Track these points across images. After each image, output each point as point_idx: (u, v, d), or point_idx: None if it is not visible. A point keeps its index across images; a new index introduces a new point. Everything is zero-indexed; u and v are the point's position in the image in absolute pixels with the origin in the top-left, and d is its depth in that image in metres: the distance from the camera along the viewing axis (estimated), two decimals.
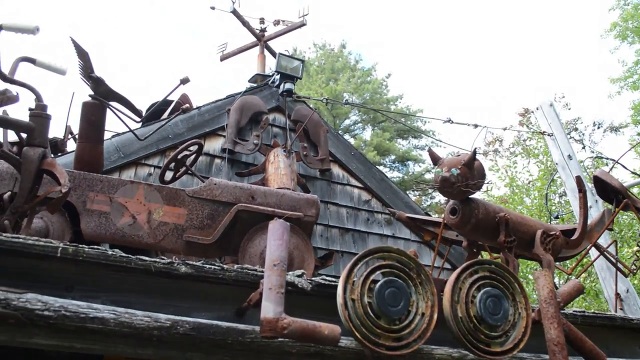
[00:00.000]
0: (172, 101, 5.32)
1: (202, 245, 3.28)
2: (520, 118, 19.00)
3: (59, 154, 4.58)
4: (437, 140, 20.41)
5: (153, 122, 4.81)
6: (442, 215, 3.33)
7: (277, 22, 6.29)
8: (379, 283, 2.08)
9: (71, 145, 4.92)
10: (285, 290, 1.86)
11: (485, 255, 3.81)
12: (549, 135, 6.44)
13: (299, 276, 2.24)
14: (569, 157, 6.20)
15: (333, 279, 2.29)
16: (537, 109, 6.77)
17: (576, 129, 18.71)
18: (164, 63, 38.73)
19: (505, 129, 8.01)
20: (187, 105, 4.28)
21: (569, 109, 18.96)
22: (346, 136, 21.43)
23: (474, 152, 2.90)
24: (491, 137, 18.70)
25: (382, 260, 2.16)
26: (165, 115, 5.19)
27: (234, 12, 6.03)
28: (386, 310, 2.04)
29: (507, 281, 2.34)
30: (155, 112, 4.86)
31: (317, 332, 1.84)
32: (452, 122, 6.07)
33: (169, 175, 3.91)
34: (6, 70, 2.85)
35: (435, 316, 2.14)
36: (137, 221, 3.23)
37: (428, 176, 23.12)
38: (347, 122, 23.44)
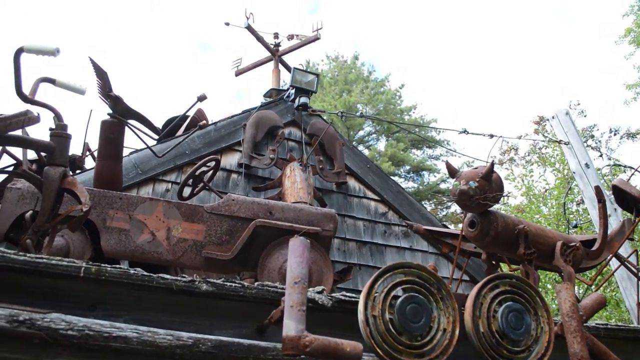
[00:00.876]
0: (187, 117, 5.37)
1: (220, 261, 3.29)
2: (536, 126, 18.92)
3: (78, 171, 4.65)
4: (451, 150, 20.42)
5: (170, 138, 4.86)
6: (460, 227, 3.32)
7: (291, 37, 6.34)
8: (399, 299, 2.07)
9: (89, 162, 4.98)
10: (306, 307, 1.86)
11: (505, 267, 3.78)
12: (565, 144, 6.40)
13: (319, 292, 2.24)
14: (587, 165, 6.15)
15: (353, 295, 2.29)
16: (553, 117, 6.73)
17: (592, 136, 18.57)
18: (175, 77, 39.05)
19: (520, 137, 7.98)
20: (204, 121, 4.32)
21: (585, 116, 18.83)
22: (360, 147, 21.44)
23: (492, 165, 2.89)
24: (506, 145, 18.62)
25: (402, 276, 2.15)
26: (181, 131, 5.24)
27: (249, 28, 6.09)
28: (408, 327, 2.04)
29: (528, 295, 2.33)
30: (174, 128, 4.91)
31: (339, 350, 1.83)
32: (468, 132, 6.06)
33: (186, 191, 3.95)
34: (27, 91, 2.89)
35: (457, 332, 2.12)
36: (156, 238, 3.25)
37: (443, 186, 23.04)
38: (361, 133, 23.44)
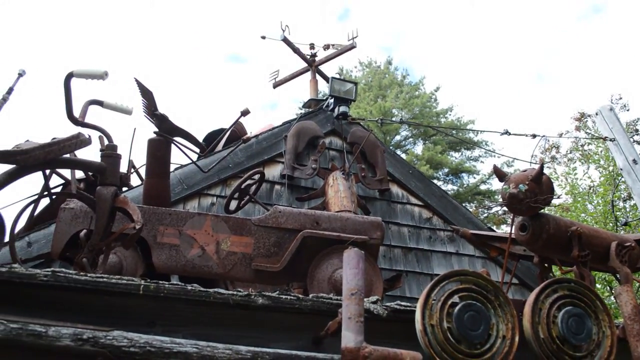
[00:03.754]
0: (227, 130, 5.43)
1: (270, 273, 3.31)
2: (577, 123, 18.53)
3: (124, 189, 4.74)
4: (490, 151, 20.13)
5: (213, 153, 4.92)
6: (507, 230, 3.27)
7: (327, 47, 6.36)
8: (457, 307, 2.06)
9: (134, 180, 5.08)
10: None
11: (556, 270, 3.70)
12: (610, 140, 6.24)
13: (373, 303, 2.23)
14: (634, 161, 5.97)
15: (408, 304, 2.28)
16: (597, 114, 6.57)
17: (637, 131, 18.07)
18: (206, 89, 39.47)
19: (561, 135, 7.82)
20: (248, 134, 4.38)
21: (628, 110, 18.36)
22: (397, 152, 21.31)
23: (542, 167, 2.85)
24: (547, 144, 18.27)
25: (458, 283, 2.14)
26: (221, 145, 5.29)
27: (285, 40, 6.14)
28: (466, 335, 2.02)
29: (588, 299, 2.28)
30: (218, 142, 4.98)
31: None
32: (510, 133, 5.97)
33: (233, 204, 4.00)
34: (77, 114, 2.97)
35: (517, 339, 2.09)
36: (206, 252, 3.29)
37: (483, 187, 22.75)
38: (397, 137, 23.33)
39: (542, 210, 3.00)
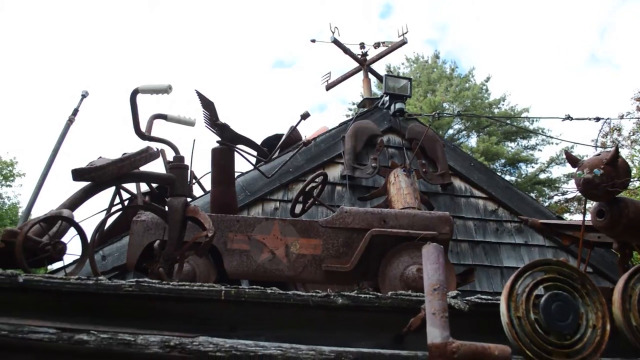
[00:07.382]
0: (288, 133, 5.47)
1: (341, 273, 3.32)
2: (638, 103, 17.83)
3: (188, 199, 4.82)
4: (548, 137, 19.58)
5: (272, 158, 4.95)
6: (570, 219, 3.16)
7: (377, 45, 6.32)
8: (543, 298, 2.00)
9: (196, 190, 5.16)
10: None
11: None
12: None
13: (453, 297, 2.20)
14: None
15: (489, 298, 2.24)
16: None
17: None
18: (252, 95, 39.86)
19: (622, 117, 7.54)
20: (308, 138, 4.41)
21: None
22: None
23: (617, 149, 2.74)
24: (608, 127, 17.66)
25: (542, 273, 2.08)
26: (277, 153, 5.32)
27: (335, 42, 6.14)
28: (555, 326, 1.96)
29: None
30: (275, 147, 5.01)
31: (488, 354, 1.79)
32: (572, 118, 5.79)
33: (298, 207, 4.02)
34: (143, 129, 3.04)
35: (608, 327, 2.02)
36: (276, 256, 3.33)
37: (542, 176, 22.17)
38: (450, 131, 22.98)
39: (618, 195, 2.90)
